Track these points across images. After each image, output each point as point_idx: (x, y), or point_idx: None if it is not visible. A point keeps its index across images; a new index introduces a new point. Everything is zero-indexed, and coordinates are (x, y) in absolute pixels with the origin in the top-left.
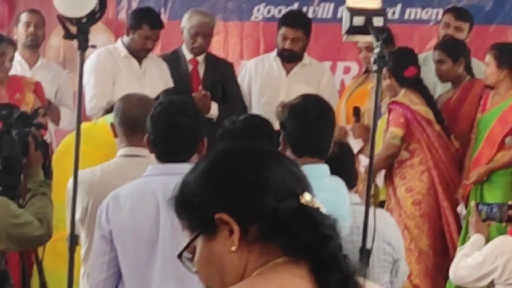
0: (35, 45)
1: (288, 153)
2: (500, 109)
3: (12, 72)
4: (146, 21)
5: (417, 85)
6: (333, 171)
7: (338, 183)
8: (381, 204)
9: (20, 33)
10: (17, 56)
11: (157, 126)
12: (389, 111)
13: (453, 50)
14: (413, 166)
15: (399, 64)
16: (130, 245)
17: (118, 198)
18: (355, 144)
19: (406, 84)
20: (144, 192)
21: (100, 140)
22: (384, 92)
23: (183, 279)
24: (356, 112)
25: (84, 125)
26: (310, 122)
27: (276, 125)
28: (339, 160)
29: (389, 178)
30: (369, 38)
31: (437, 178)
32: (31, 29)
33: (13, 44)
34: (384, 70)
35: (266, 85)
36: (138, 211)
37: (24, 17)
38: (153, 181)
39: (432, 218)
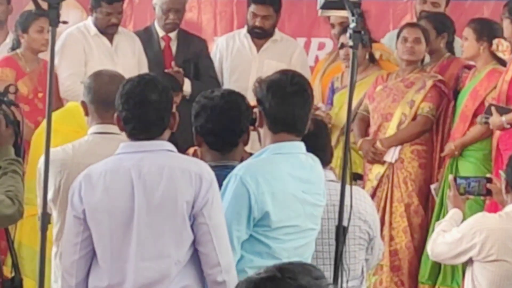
0: None
1: (265, 129)
2: (473, 83)
3: None
4: None
5: None
6: (309, 148)
7: (313, 160)
8: (355, 177)
9: None
10: None
11: (127, 103)
12: (432, 86)
13: (439, 22)
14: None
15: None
16: (104, 225)
17: (90, 177)
18: None
19: None
20: (117, 171)
21: (84, 120)
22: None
23: (159, 258)
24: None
25: (70, 104)
26: (288, 98)
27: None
28: (314, 137)
29: None
30: (344, 13)
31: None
32: None
33: None
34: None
35: (237, 62)
36: (111, 191)
37: None
38: (126, 160)
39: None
